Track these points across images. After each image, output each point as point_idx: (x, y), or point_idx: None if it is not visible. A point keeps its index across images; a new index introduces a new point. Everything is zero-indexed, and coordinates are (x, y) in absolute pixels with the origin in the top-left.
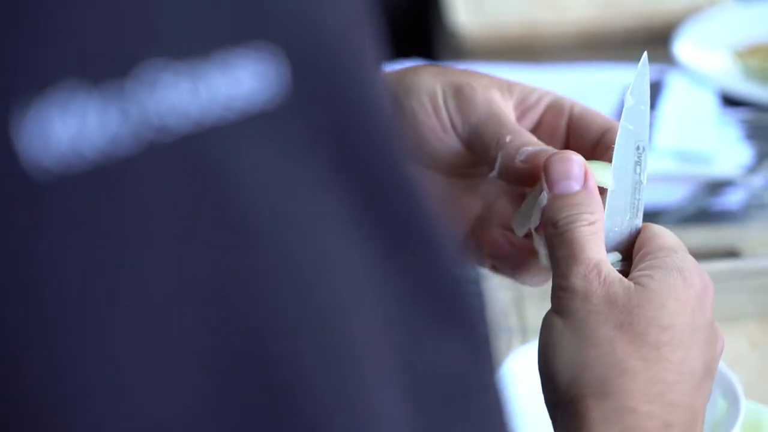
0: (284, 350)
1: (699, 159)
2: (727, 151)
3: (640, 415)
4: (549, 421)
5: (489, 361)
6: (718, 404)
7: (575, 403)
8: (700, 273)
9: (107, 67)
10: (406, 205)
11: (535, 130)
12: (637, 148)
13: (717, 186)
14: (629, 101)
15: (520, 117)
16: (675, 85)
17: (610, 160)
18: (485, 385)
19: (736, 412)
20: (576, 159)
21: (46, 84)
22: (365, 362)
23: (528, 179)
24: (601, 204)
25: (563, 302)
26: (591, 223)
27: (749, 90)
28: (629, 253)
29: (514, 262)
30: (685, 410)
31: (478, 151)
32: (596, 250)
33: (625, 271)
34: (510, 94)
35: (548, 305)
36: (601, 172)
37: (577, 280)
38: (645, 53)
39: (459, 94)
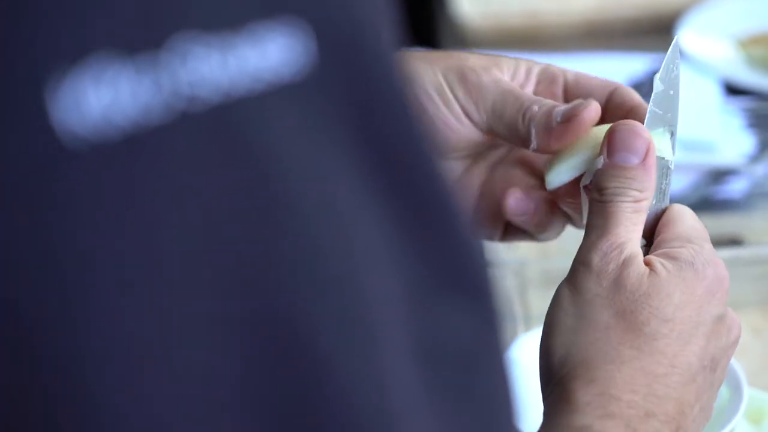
0: (302, 317)
1: (702, 147)
2: (730, 139)
3: (622, 403)
4: None
5: (498, 335)
6: (720, 392)
7: (564, 383)
8: (714, 264)
9: (140, 38)
10: (423, 178)
11: None
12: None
13: (720, 174)
14: (658, 86)
15: None
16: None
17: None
18: (493, 358)
19: (738, 400)
20: (643, 134)
21: (81, 55)
22: (378, 329)
23: (569, 137)
24: (654, 185)
25: (577, 276)
26: (636, 201)
27: (752, 79)
28: (651, 237)
29: (536, 218)
30: (671, 402)
31: (501, 132)
32: (630, 229)
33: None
34: (502, 70)
35: (552, 293)
36: (660, 141)
37: (596, 257)
38: (676, 38)
39: (465, 82)
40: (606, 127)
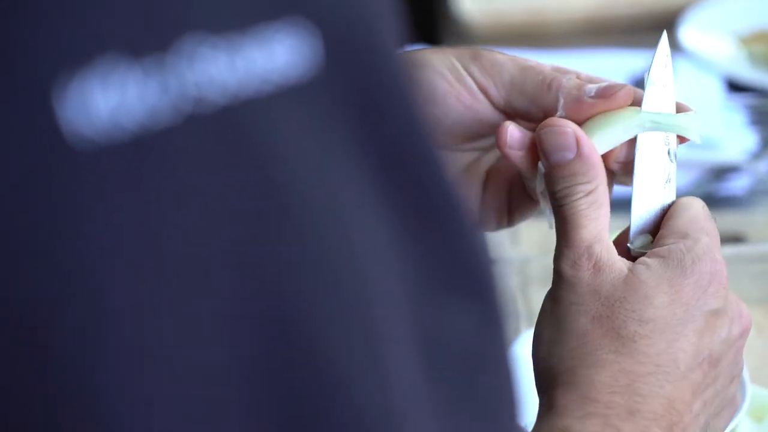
0: (307, 318)
1: (704, 144)
2: (732, 136)
3: (600, 404)
4: None
5: (502, 334)
6: None
7: (548, 391)
8: (709, 258)
9: (148, 40)
10: (428, 178)
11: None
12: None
13: (722, 171)
14: (650, 84)
15: None
16: (680, 71)
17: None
18: (497, 357)
19: (741, 398)
20: (566, 128)
21: (88, 57)
22: (382, 329)
23: (598, 111)
24: (600, 169)
25: (554, 287)
26: (588, 193)
27: (754, 76)
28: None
29: (531, 157)
30: (658, 400)
31: (520, 106)
32: (591, 227)
33: None
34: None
35: None
36: (690, 121)
37: (566, 267)
38: (664, 33)
39: (479, 60)
40: (633, 108)
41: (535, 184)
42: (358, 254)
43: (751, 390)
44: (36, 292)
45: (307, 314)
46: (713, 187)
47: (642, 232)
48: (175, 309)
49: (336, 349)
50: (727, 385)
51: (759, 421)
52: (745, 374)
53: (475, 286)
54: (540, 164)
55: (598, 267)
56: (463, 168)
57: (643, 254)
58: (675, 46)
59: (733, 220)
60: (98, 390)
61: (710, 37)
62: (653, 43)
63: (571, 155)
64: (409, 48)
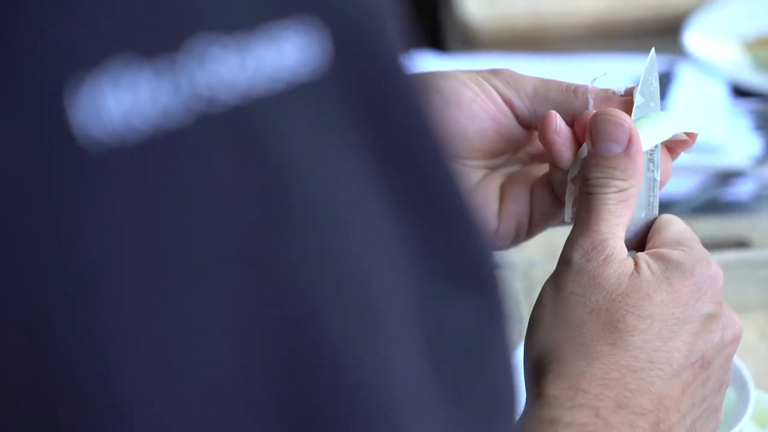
0: (312, 316)
1: (709, 149)
2: (737, 141)
3: (590, 396)
4: None
5: (504, 332)
6: (727, 394)
7: (538, 378)
8: (706, 263)
9: (158, 41)
10: (434, 176)
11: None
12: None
13: (727, 176)
14: (639, 99)
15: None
16: (685, 76)
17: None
18: (499, 355)
19: (745, 402)
20: (624, 122)
21: (99, 59)
22: (387, 327)
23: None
24: (639, 172)
25: (558, 274)
26: (620, 191)
27: (759, 81)
28: (642, 248)
29: (573, 146)
30: (647, 395)
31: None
32: (613, 222)
33: None
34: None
35: None
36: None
37: (577, 255)
38: (653, 50)
39: (499, 74)
40: (663, 113)
41: (562, 176)
42: (364, 253)
43: (755, 395)
44: (43, 294)
45: (313, 312)
46: (718, 193)
47: (627, 247)
48: (183, 309)
49: (341, 346)
50: (716, 391)
51: (763, 427)
52: (749, 379)
53: (478, 284)
54: (582, 149)
55: (607, 261)
56: (476, 183)
57: None
58: (680, 51)
59: (738, 226)
60: (99, 390)
61: (715, 42)
62: (658, 48)
63: (619, 149)
64: (416, 52)
